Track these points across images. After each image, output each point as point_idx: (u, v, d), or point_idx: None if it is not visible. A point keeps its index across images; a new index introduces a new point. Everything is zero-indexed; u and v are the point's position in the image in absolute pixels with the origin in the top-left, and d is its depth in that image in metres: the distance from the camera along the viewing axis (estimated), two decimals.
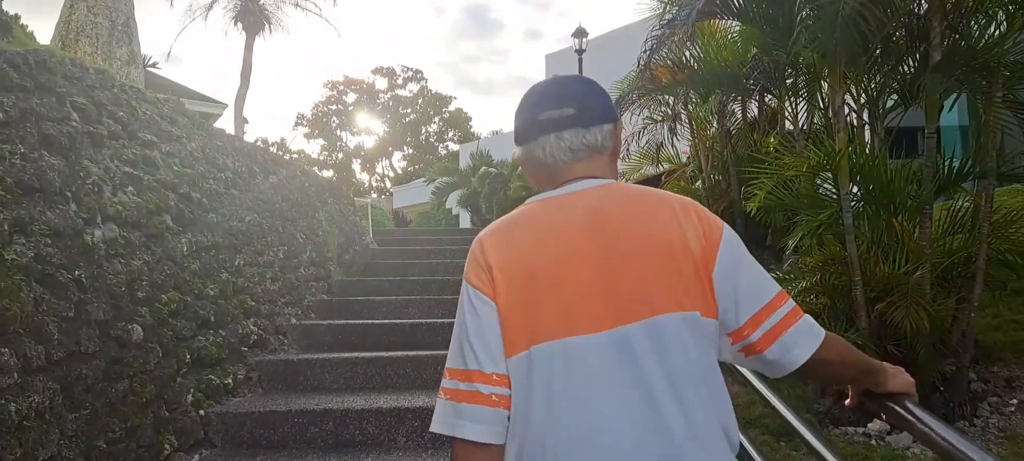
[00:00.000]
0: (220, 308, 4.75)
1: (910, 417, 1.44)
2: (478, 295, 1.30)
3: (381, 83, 48.54)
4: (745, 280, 1.30)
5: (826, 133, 5.32)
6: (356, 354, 5.13)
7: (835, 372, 1.45)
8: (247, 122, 20.20)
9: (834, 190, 4.45)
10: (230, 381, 4.54)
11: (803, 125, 6.90)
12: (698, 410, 1.22)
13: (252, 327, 5.16)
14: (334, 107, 48.39)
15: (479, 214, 23.10)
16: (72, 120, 3.85)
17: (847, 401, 1.59)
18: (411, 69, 48.90)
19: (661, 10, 5.87)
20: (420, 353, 5.15)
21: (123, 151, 4.27)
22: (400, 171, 48.06)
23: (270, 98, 75.99)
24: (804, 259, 4.66)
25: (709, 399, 1.25)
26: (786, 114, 7.61)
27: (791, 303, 1.32)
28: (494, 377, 1.26)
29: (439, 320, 5.83)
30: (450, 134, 48.68)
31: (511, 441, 1.26)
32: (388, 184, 47.33)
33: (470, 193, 22.80)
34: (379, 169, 49.71)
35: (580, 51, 15.14)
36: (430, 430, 1.29)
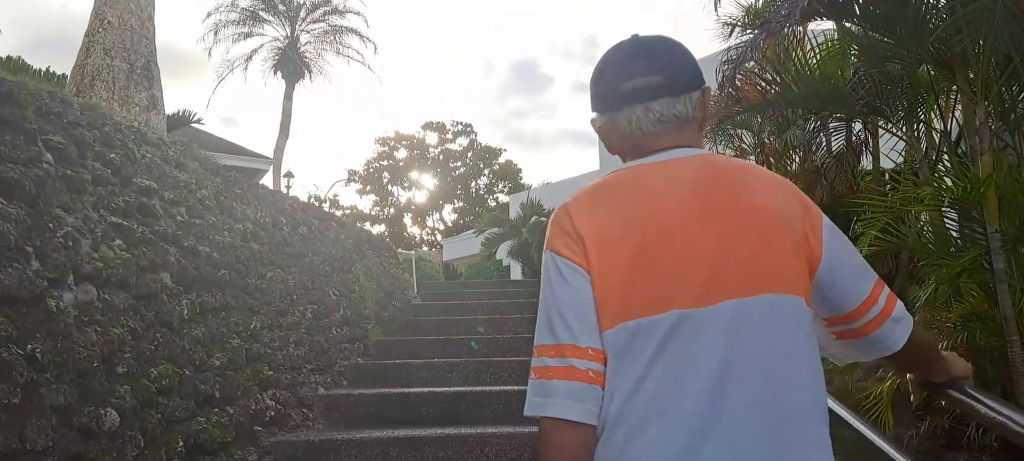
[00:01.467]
0: (228, 381, 4.03)
1: (972, 400, 1.50)
2: (568, 264, 1.22)
3: (431, 137, 48.65)
4: (844, 277, 1.28)
5: (930, 163, 4.43)
6: (389, 433, 4.34)
7: (920, 355, 1.45)
8: (292, 176, 19.97)
9: (974, 228, 3.54)
10: None
11: (905, 156, 5.98)
12: (796, 393, 1.17)
13: (269, 401, 4.42)
14: (385, 163, 48.59)
15: (530, 265, 22.34)
16: (43, 162, 3.22)
17: (912, 396, 1.66)
18: (461, 123, 48.96)
19: (737, 23, 5.12)
20: (462, 430, 4.34)
21: (112, 199, 3.63)
22: (450, 223, 47.77)
23: (320, 155, 77.28)
24: (937, 315, 3.74)
25: (815, 387, 1.21)
26: (873, 144, 6.70)
27: (887, 290, 1.32)
28: (589, 351, 1.19)
29: (485, 389, 5.02)
30: (500, 186, 48.31)
31: (600, 420, 1.19)
32: (439, 237, 47.04)
33: (520, 243, 22.08)
34: (430, 222, 49.56)
35: None
36: (524, 414, 1.22)
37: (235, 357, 4.20)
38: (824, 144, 6.41)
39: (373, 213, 48.68)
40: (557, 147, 77.33)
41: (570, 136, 77.26)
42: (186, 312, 3.87)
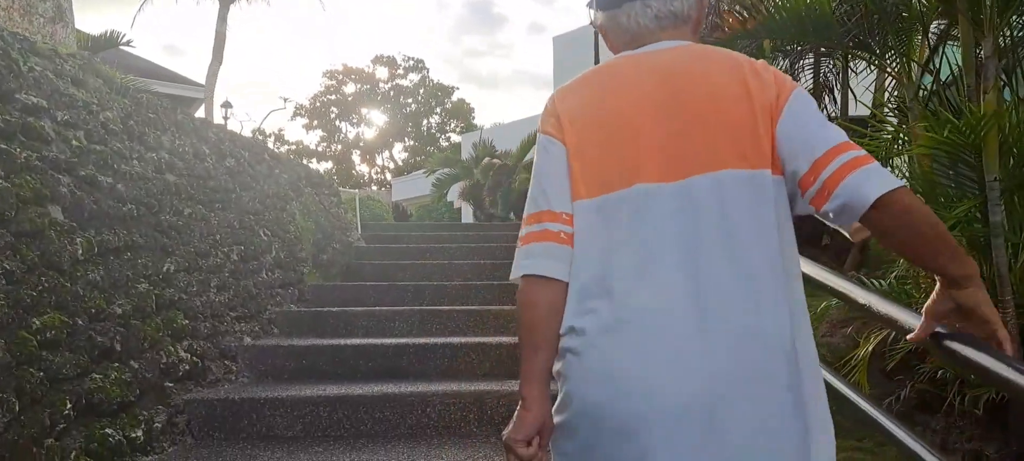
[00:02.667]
0: (132, 331, 3.53)
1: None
2: (548, 138, 1.35)
3: (382, 72, 47.23)
4: (810, 129, 1.27)
5: (921, 102, 4.09)
6: (321, 390, 3.90)
7: (918, 231, 1.24)
8: (230, 106, 18.90)
9: (968, 176, 3.22)
10: (140, 433, 3.31)
11: (875, 99, 5.65)
12: (758, 262, 1.23)
13: (183, 353, 3.93)
14: (333, 97, 47.10)
15: (482, 208, 21.85)
16: None
17: (913, 335, 1.41)
18: (413, 58, 47.54)
19: None
20: (403, 388, 3.92)
21: None
22: (401, 163, 46.80)
23: (263, 88, 74.84)
24: (922, 274, 3.43)
25: (772, 252, 1.25)
26: (842, 86, 6.37)
27: (859, 149, 1.25)
28: (562, 216, 1.30)
29: (431, 340, 4.61)
30: (452, 125, 47.37)
31: (573, 280, 1.28)
32: (388, 176, 46.10)
33: (472, 185, 21.53)
34: (379, 161, 48.47)
35: (595, 25, 13.64)
36: (509, 279, 1.33)
37: (142, 304, 3.69)
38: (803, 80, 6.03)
39: (320, 149, 47.40)
40: (513, 88, 76.39)
41: (527, 78, 76.39)
42: (81, 252, 3.33)
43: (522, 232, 1.33)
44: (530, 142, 20.84)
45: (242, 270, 5.08)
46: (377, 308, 5.46)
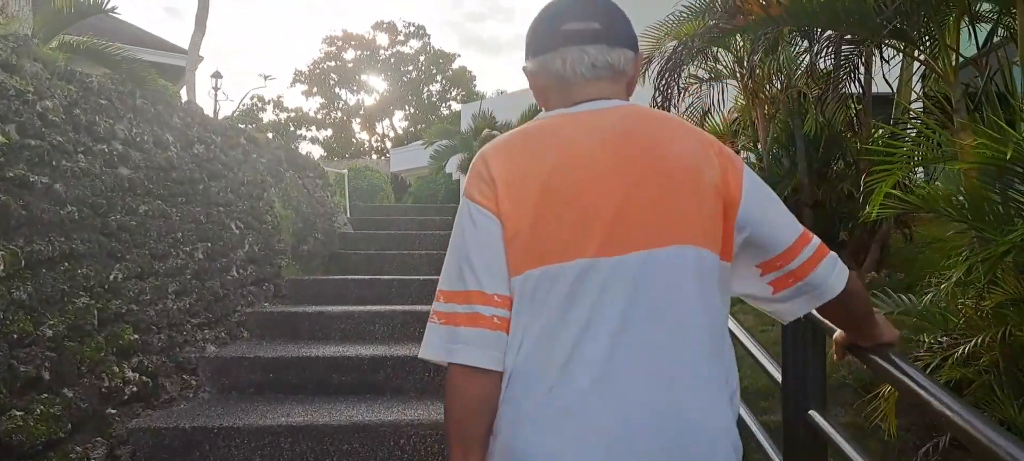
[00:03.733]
0: (66, 355, 3.12)
1: (895, 370, 1.45)
2: (480, 210, 1.23)
3: (382, 39, 46.27)
4: (772, 216, 1.28)
5: (969, 105, 3.63)
6: (283, 418, 3.50)
7: (855, 309, 1.41)
8: (220, 77, 18.34)
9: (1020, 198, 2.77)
10: None
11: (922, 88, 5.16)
12: (700, 346, 1.21)
13: (130, 373, 3.53)
14: (332, 64, 46.29)
15: None
16: None
17: (834, 353, 1.60)
18: (413, 24, 46.56)
19: None
20: (375, 415, 3.52)
21: None
22: (401, 131, 46.13)
23: (261, 57, 73.93)
24: (965, 300, 3.00)
25: (715, 335, 1.23)
26: (866, 74, 5.89)
27: (818, 240, 1.31)
28: (495, 298, 1.20)
29: (410, 351, 4.20)
30: (454, 93, 46.62)
31: (505, 367, 1.21)
32: (388, 144, 45.50)
33: (471, 157, 21.05)
34: (380, 129, 47.80)
35: None
36: (420, 356, 1.25)
37: (80, 321, 3.27)
38: (804, 67, 5.53)
39: (319, 117, 46.74)
40: (515, 52, 75.05)
41: None
42: (2, 268, 2.91)
43: (442, 307, 1.23)
44: (531, 113, 20.35)
45: (208, 270, 4.66)
46: (357, 309, 5.05)
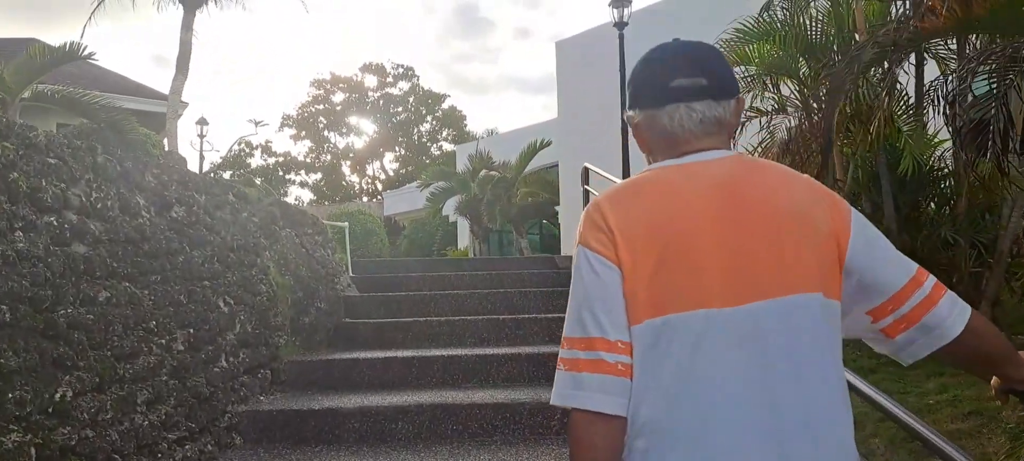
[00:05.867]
0: None
1: None
2: (600, 259, 1.24)
3: (371, 81, 45.64)
4: (881, 261, 1.27)
5: None
6: None
7: (983, 348, 1.34)
8: (206, 124, 17.49)
9: None
10: None
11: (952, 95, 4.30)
12: (829, 394, 1.21)
13: None
14: (321, 107, 45.59)
15: (480, 224, 20.50)
16: None
17: (995, 394, 1.46)
18: (402, 66, 45.99)
19: None
20: None
21: None
22: (392, 173, 45.34)
23: (250, 101, 73.37)
24: None
25: (840, 381, 1.24)
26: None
27: (933, 278, 1.29)
28: (619, 345, 1.21)
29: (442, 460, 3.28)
30: (444, 133, 45.94)
31: (633, 413, 1.20)
32: (379, 186, 44.68)
33: (470, 199, 20.19)
34: (370, 171, 46.98)
35: (621, 25, 12.02)
36: (550, 403, 1.24)
37: None
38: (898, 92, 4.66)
39: (308, 160, 45.91)
40: (501, 93, 74.69)
41: (514, 82, 74.73)
42: None
43: (566, 354, 1.23)
44: (530, 153, 19.61)
45: (190, 364, 3.74)
46: (374, 401, 4.14)
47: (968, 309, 1.29)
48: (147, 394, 3.29)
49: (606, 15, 12.70)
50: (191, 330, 3.85)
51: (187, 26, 10.07)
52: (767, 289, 1.19)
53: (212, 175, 5.74)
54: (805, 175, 1.33)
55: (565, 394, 1.21)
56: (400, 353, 5.02)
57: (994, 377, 1.41)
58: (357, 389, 4.57)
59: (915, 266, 1.28)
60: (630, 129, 1.41)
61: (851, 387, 1.79)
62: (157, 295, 3.64)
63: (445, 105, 46.17)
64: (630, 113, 1.38)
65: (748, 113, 5.72)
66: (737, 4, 6.25)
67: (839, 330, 1.24)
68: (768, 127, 5.91)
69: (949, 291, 1.28)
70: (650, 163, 1.37)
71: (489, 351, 4.96)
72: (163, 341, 3.56)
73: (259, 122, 28.66)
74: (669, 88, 1.30)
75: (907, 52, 4.29)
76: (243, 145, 42.73)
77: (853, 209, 1.29)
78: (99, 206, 3.43)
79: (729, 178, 1.26)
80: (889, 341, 1.30)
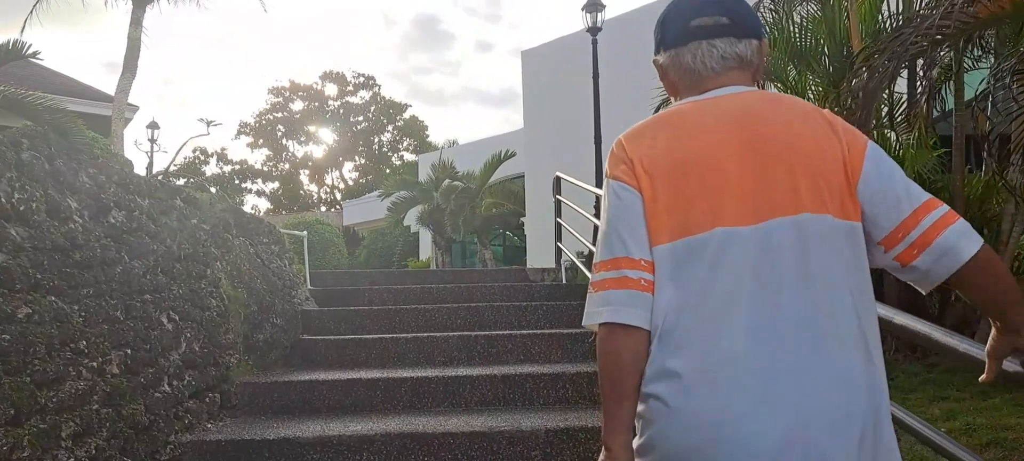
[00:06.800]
0: None
1: None
2: (622, 186, 1.33)
3: (331, 89, 44.89)
4: (895, 186, 1.31)
5: None
6: None
7: (994, 285, 1.31)
8: (157, 128, 16.77)
9: None
10: None
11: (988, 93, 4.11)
12: (839, 307, 1.25)
13: None
14: (279, 115, 44.65)
15: (443, 234, 20.07)
16: None
17: (983, 376, 1.42)
18: (363, 75, 45.39)
19: None
20: None
21: None
22: (351, 182, 44.56)
23: (206, 108, 71.92)
24: None
25: (853, 296, 1.26)
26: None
27: (945, 207, 1.32)
28: (641, 262, 1.29)
29: None
30: (405, 143, 45.39)
31: (655, 326, 1.27)
32: (338, 195, 43.87)
33: (432, 209, 19.75)
34: (329, 180, 46.13)
35: (594, 30, 11.73)
36: (582, 326, 1.34)
37: None
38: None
39: (266, 169, 44.91)
40: (461, 105, 74.30)
41: (474, 95, 74.48)
42: None
43: (596, 277, 1.33)
44: (495, 163, 19.27)
45: (127, 388, 3.30)
46: (334, 429, 3.74)
47: (980, 239, 1.31)
48: (74, 426, 2.85)
49: (570, 27, 12.54)
50: (128, 350, 3.41)
51: (136, 22, 9.49)
52: (782, 210, 1.26)
53: (160, 179, 5.26)
54: (824, 110, 1.37)
55: (593, 313, 1.31)
56: (364, 374, 4.61)
57: (990, 344, 1.37)
58: (317, 415, 4.16)
59: (927, 195, 1.32)
60: (657, 75, 1.48)
61: None
62: (89, 311, 3.20)
63: (406, 115, 45.65)
64: (656, 57, 1.46)
65: None
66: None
67: (856, 248, 1.29)
68: None
69: (962, 220, 1.30)
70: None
71: (462, 372, 4.58)
72: (95, 364, 3.12)
73: (211, 122, 27.47)
74: (691, 27, 1.39)
75: (956, 41, 4.05)
76: (197, 151, 41.58)
77: (870, 141, 1.34)
78: (22, 208, 2.98)
79: (747, 110, 1.33)
80: (905, 269, 1.31)
